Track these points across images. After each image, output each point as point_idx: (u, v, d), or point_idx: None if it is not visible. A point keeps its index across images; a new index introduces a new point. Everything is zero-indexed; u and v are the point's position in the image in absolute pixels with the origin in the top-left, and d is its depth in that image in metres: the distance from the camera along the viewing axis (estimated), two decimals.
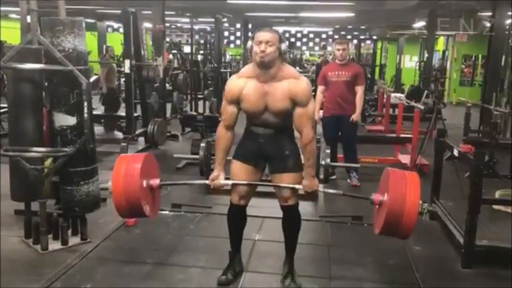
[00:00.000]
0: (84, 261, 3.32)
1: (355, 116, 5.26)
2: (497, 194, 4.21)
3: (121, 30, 17.06)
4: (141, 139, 7.34)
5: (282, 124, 2.87)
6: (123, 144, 6.42)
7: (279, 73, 2.77)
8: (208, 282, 3.08)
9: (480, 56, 15.79)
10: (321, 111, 5.56)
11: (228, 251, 3.15)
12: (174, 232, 3.93)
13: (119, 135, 7.79)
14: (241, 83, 2.83)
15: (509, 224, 3.78)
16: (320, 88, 5.46)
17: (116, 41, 15.68)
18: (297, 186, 2.87)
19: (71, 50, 3.34)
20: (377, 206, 2.83)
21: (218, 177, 2.93)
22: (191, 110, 9.92)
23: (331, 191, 3.24)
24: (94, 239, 3.65)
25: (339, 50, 5.20)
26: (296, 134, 2.94)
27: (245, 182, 2.92)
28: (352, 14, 10.14)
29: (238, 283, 3.06)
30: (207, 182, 3.01)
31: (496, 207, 4.02)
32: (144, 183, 2.83)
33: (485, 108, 7.27)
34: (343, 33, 17.23)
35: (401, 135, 6.48)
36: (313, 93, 5.44)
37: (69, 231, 3.63)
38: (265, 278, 3.17)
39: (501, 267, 3.35)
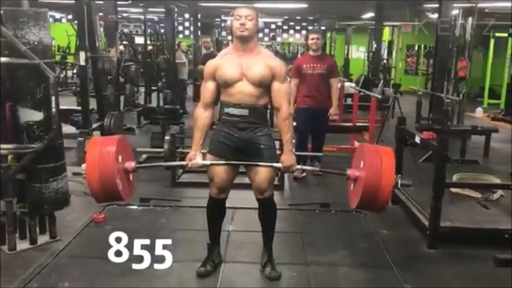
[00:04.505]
0: (57, 260, 3.24)
1: (333, 110, 5.28)
2: (455, 178, 4.44)
3: (64, 20, 16.47)
4: (97, 133, 7.14)
5: (257, 103, 2.86)
6: (79, 139, 6.22)
7: (256, 49, 2.89)
8: (188, 274, 3.08)
9: (423, 45, 16.49)
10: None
11: (206, 243, 3.16)
12: (146, 227, 3.88)
13: (72, 129, 7.53)
14: (217, 60, 2.96)
15: (467, 206, 4.03)
16: (294, 81, 5.14)
17: (59, 32, 15.10)
18: (275, 164, 2.89)
19: (36, 43, 3.23)
20: (352, 183, 2.89)
21: (195, 157, 2.90)
22: (145, 103, 9.75)
23: (308, 167, 3.30)
24: (64, 237, 3.56)
25: (313, 39, 5.12)
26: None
27: (223, 162, 2.91)
28: (305, 5, 10.28)
29: (218, 274, 3.09)
30: (183, 163, 2.98)
31: (454, 190, 4.24)
32: (119, 165, 2.78)
33: (435, 96, 7.60)
34: (292, 23, 17.40)
35: (360, 124, 6.65)
36: None
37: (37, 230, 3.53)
38: (245, 267, 3.21)
39: (463, 247, 3.57)
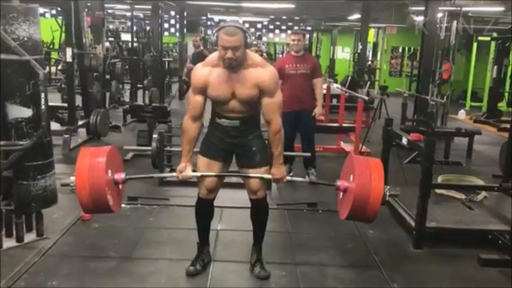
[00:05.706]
0: (45, 258, 3.21)
1: (318, 110, 5.24)
2: (440, 179, 4.51)
3: (47, 15, 16.24)
4: (82, 130, 7.09)
5: (248, 114, 2.87)
6: (65, 136, 6.17)
7: (245, 61, 2.77)
8: (177, 273, 3.08)
9: (407, 48, 16.69)
10: None
11: (195, 242, 3.16)
12: (134, 225, 3.88)
13: (57, 126, 7.45)
14: (207, 72, 2.81)
15: (452, 207, 4.09)
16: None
17: (43, 27, 14.91)
18: (266, 176, 2.92)
19: (26, 39, 3.19)
20: (341, 193, 2.90)
21: (186, 169, 2.91)
22: (131, 100, 9.70)
23: (298, 179, 3.33)
24: (51, 235, 3.53)
25: (294, 40, 5.09)
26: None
27: (213, 174, 2.93)
28: (292, 6, 10.32)
29: (208, 273, 3.10)
30: (174, 174, 2.98)
31: (438, 191, 4.30)
32: (109, 177, 2.73)
33: (420, 98, 7.69)
34: (278, 23, 17.46)
35: (348, 125, 6.71)
36: None
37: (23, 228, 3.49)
38: (234, 266, 3.23)
39: (448, 247, 3.64)
